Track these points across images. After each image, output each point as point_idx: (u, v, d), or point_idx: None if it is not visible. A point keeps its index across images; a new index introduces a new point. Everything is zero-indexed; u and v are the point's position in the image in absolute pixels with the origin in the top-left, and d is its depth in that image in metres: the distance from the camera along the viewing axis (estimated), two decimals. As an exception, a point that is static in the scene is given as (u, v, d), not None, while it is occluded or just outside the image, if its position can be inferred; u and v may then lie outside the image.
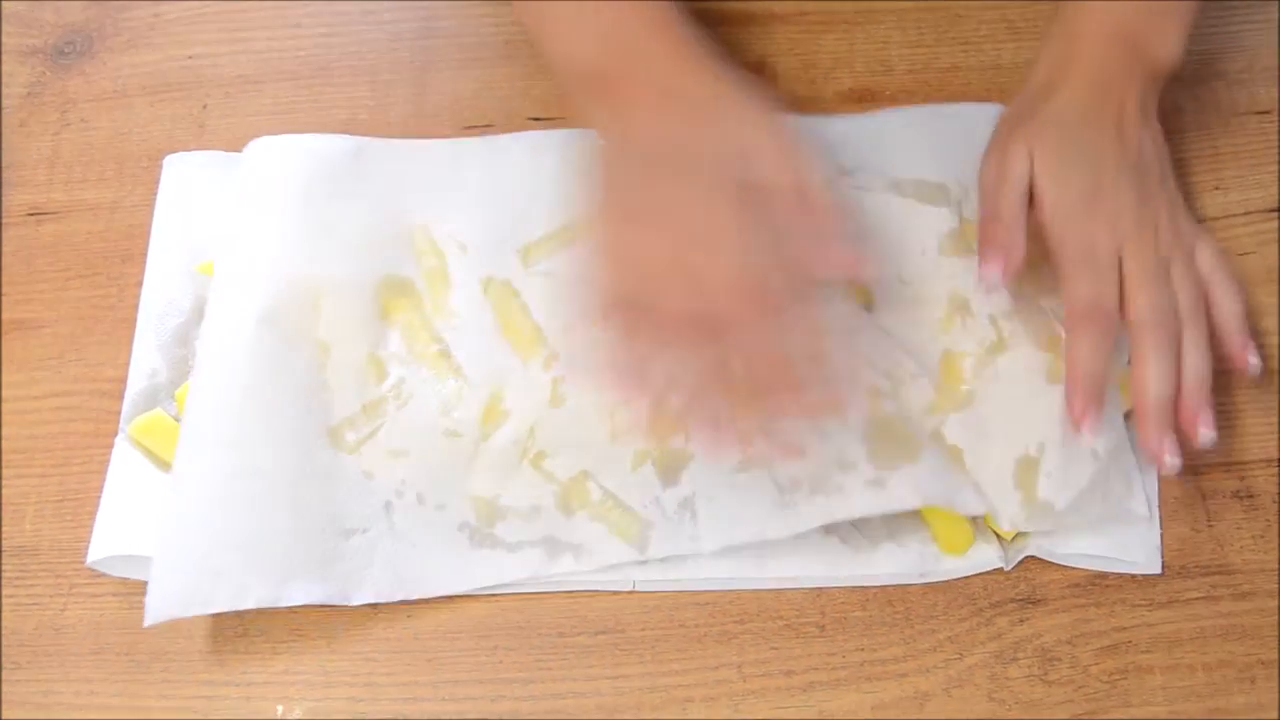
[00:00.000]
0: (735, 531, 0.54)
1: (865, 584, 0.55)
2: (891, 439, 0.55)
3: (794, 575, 0.55)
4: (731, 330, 0.48)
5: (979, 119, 0.62)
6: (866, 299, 0.59)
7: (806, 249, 0.50)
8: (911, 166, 0.62)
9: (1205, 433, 0.53)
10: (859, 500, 0.54)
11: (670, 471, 0.55)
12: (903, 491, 0.54)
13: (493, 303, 0.59)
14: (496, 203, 0.63)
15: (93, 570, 0.56)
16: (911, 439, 0.55)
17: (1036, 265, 0.56)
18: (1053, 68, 0.58)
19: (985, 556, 0.55)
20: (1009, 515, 0.54)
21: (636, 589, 0.55)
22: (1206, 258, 0.56)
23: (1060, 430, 0.55)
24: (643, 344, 0.50)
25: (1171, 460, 0.52)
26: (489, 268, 0.60)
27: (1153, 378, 0.53)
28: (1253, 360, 0.55)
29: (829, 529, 0.55)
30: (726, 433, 0.50)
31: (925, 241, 0.59)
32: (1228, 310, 0.56)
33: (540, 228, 0.61)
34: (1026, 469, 0.55)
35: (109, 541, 0.55)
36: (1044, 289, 0.58)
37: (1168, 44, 0.57)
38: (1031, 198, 0.55)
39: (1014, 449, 0.55)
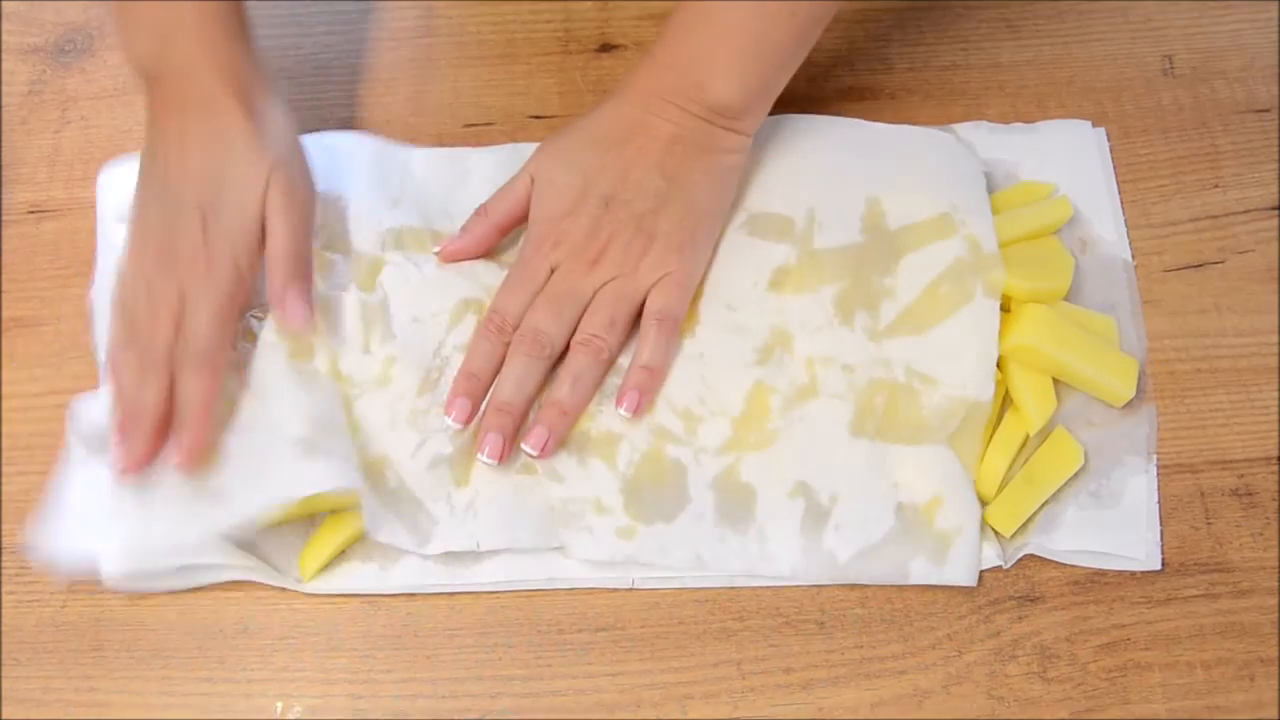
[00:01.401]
0: (510, 536, 0.55)
1: (865, 582, 0.55)
2: (655, 491, 0.55)
3: (791, 575, 0.55)
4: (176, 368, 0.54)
5: (871, 140, 0.63)
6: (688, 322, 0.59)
7: (270, 294, 0.56)
8: (767, 198, 0.61)
9: (538, 443, 0.55)
10: (605, 545, 0.55)
11: (462, 472, 0.56)
12: (648, 548, 0.55)
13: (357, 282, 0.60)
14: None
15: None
16: (677, 496, 0.55)
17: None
18: (616, 86, 0.59)
19: (984, 554, 0.55)
20: (789, 562, 0.54)
21: (636, 586, 0.55)
22: (654, 300, 0.56)
23: (857, 484, 0.55)
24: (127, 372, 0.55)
25: (485, 457, 0.55)
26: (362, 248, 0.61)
27: (504, 383, 0.56)
28: (630, 407, 0.56)
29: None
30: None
31: (758, 275, 0.59)
32: (638, 354, 0.56)
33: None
34: (816, 518, 0.55)
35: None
36: (877, 339, 0.58)
37: (722, 88, 0.56)
38: None
39: (806, 496, 0.55)
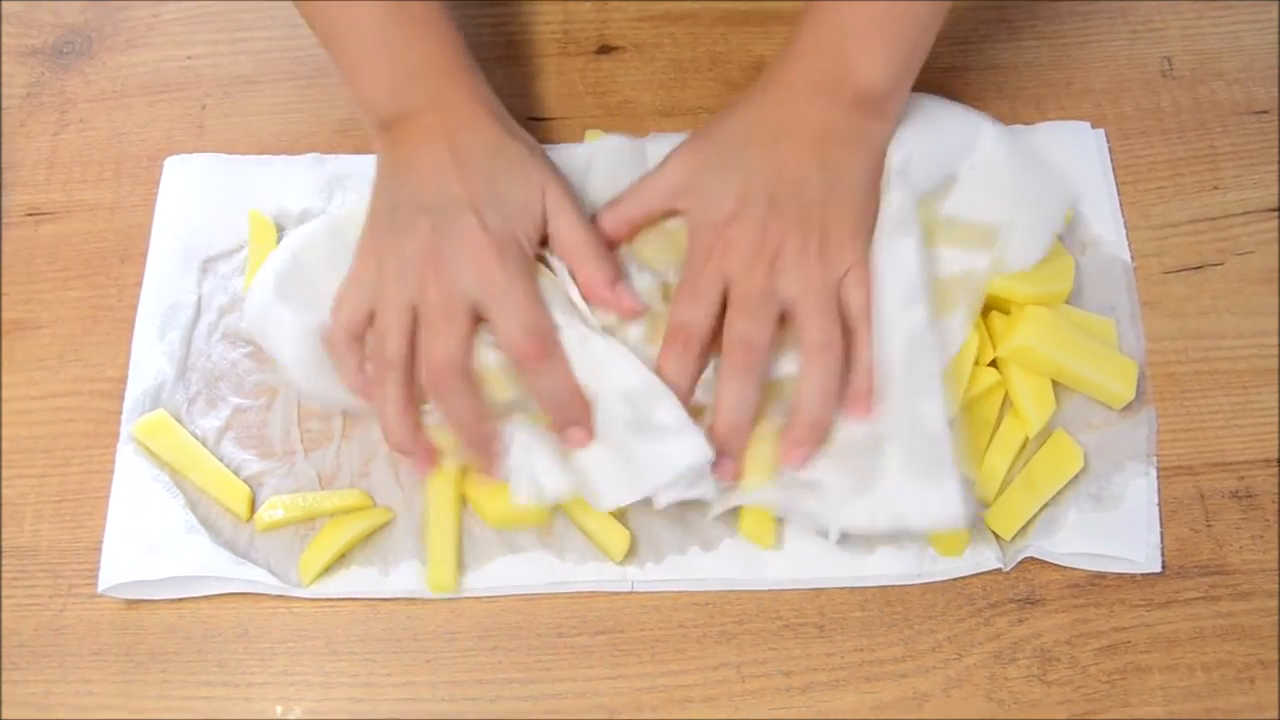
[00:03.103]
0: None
1: (863, 584, 0.55)
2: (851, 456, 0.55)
3: (791, 577, 0.55)
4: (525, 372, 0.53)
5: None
6: None
7: (589, 292, 0.55)
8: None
9: (788, 466, 0.54)
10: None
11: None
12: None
13: None
14: None
15: (91, 571, 0.56)
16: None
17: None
18: (761, 79, 0.58)
19: (983, 557, 0.55)
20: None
21: (635, 589, 0.55)
22: (853, 295, 0.54)
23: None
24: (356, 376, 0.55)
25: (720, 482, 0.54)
26: None
27: (727, 403, 0.53)
28: (866, 410, 0.54)
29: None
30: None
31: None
32: (858, 356, 0.54)
33: None
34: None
35: (119, 569, 0.55)
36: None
37: (871, 70, 0.55)
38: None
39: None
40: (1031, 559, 0.55)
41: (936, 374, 0.54)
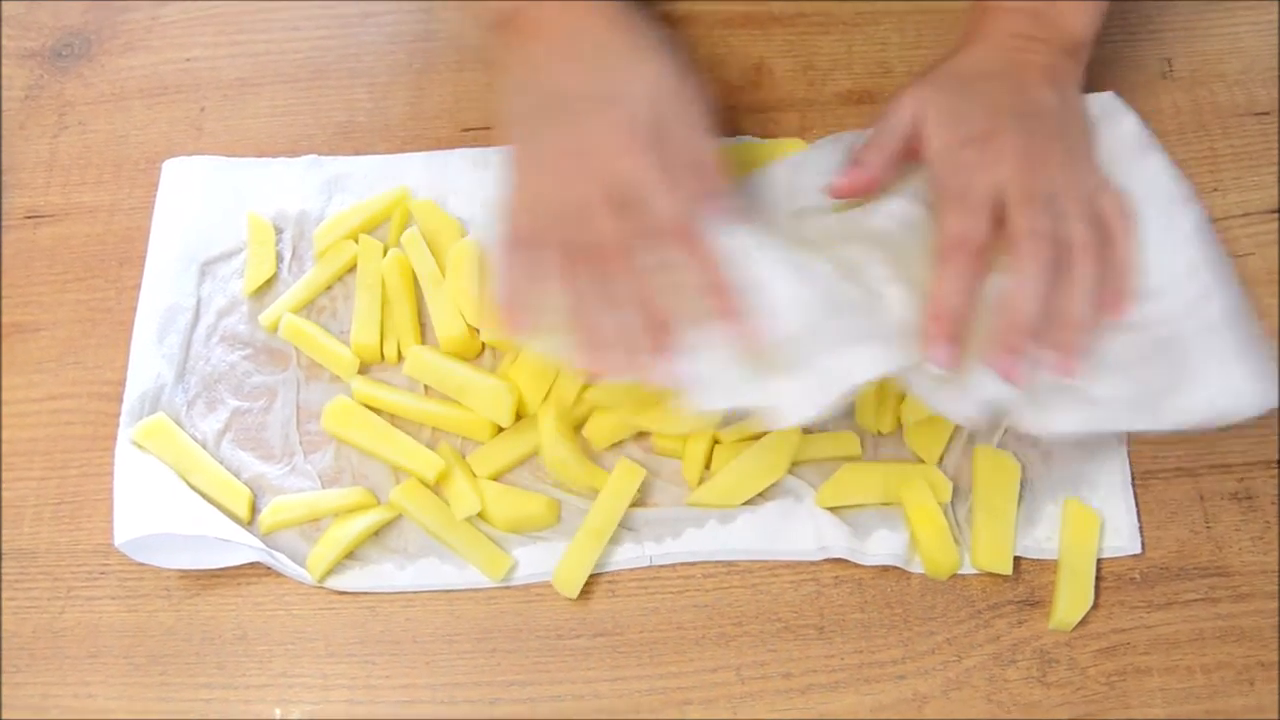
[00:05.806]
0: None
1: (859, 561, 0.55)
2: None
3: (807, 548, 0.55)
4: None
5: None
6: None
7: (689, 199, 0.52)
8: None
9: (1064, 366, 0.52)
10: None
11: None
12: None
13: None
14: None
15: (90, 573, 0.56)
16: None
17: None
18: (961, 38, 0.59)
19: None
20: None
21: (654, 564, 0.56)
22: (1108, 201, 0.55)
23: None
24: (534, 278, 0.51)
25: (1012, 383, 0.51)
26: None
27: (1024, 295, 0.51)
28: (1126, 310, 0.53)
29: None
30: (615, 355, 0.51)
31: None
32: (1119, 255, 0.54)
33: None
34: None
35: (134, 523, 0.55)
36: None
37: (1077, 19, 0.58)
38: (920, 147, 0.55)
39: None
40: (1031, 560, 0.55)
41: (1221, 264, 0.55)
